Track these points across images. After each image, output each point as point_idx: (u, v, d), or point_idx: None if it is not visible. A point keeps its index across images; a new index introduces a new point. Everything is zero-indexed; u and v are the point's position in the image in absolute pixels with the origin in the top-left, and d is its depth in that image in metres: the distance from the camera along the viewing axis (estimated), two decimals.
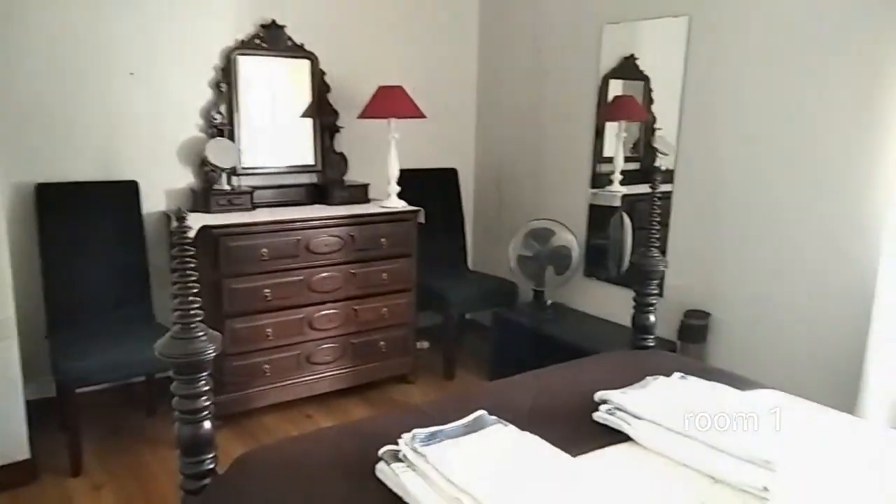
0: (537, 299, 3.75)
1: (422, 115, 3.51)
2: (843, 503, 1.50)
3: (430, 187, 4.12)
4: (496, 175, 4.38)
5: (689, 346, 3.15)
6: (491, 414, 1.75)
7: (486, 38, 4.34)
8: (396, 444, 1.58)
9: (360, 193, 3.65)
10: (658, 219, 2.48)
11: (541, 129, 4.02)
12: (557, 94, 3.89)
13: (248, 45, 3.50)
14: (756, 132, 2.93)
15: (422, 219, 3.57)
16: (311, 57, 3.66)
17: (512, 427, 1.67)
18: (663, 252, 3.27)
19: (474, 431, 1.63)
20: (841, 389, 2.53)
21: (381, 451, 1.58)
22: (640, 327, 2.55)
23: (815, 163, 2.74)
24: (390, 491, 1.49)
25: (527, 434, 1.63)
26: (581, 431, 1.81)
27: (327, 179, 3.70)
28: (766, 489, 1.50)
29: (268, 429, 3.20)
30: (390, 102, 3.45)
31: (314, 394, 3.40)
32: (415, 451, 1.52)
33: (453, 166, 4.32)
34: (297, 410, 3.36)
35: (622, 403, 1.82)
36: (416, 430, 1.59)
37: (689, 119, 3.21)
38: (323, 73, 3.71)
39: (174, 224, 1.53)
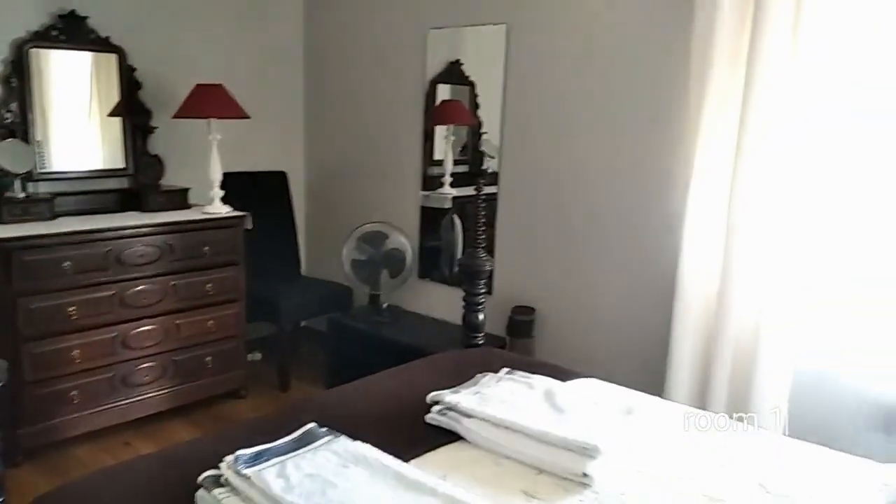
0: (373, 303, 3.73)
1: (245, 116, 3.36)
2: (659, 480, 1.62)
3: (258, 191, 3.96)
4: (328, 178, 4.30)
5: (518, 341, 3.28)
6: (324, 424, 1.70)
7: (311, 42, 4.25)
8: (218, 467, 1.48)
9: (180, 199, 3.42)
10: (483, 220, 2.55)
11: (371, 132, 4.01)
12: (386, 98, 3.89)
13: (43, 38, 3.14)
14: (570, 134, 3.12)
15: (249, 224, 3.41)
16: (118, 51, 3.36)
17: (343, 438, 1.63)
18: (491, 252, 3.39)
19: (304, 446, 1.57)
20: (650, 375, 2.75)
21: (200, 478, 1.47)
22: (471, 326, 2.61)
23: (623, 163, 2.97)
24: None
25: (358, 444, 1.59)
26: (414, 434, 1.81)
27: (141, 184, 3.42)
28: (585, 475, 1.58)
29: (81, 461, 2.89)
30: (209, 101, 3.26)
31: (133, 418, 3.13)
32: (238, 473, 1.43)
33: (282, 169, 4.18)
34: (115, 438, 3.08)
35: (453, 403, 1.84)
36: (239, 452, 1.50)
37: (511, 123, 3.34)
38: (132, 68, 3.43)
39: None
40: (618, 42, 2.93)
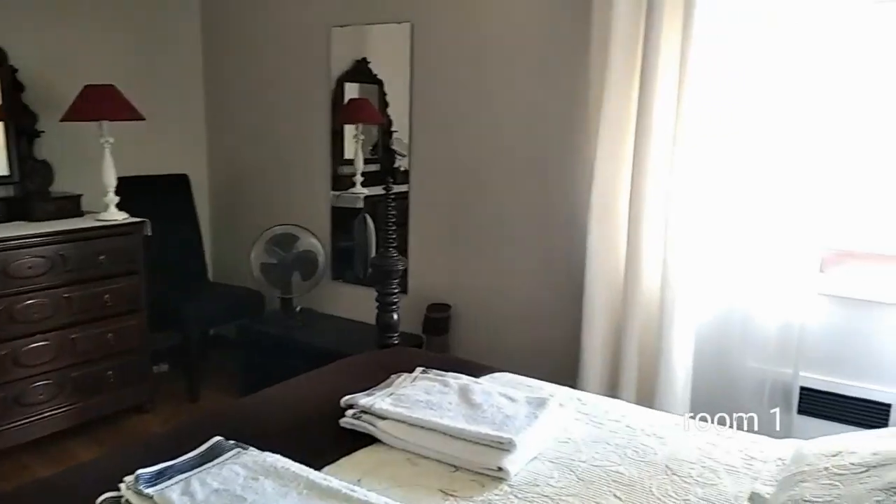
0: (285, 307, 3.64)
1: (140, 117, 3.19)
2: (572, 469, 1.65)
3: (158, 196, 3.79)
4: (233, 180, 4.16)
5: (434, 338, 3.28)
6: (234, 436, 1.65)
7: (210, 41, 4.10)
8: (118, 488, 1.40)
9: (71, 206, 3.22)
10: (394, 219, 2.53)
11: (278, 132, 3.91)
12: (292, 97, 3.81)
13: None
14: (477, 131, 3.15)
15: (148, 231, 3.25)
16: None
17: (252, 450, 1.57)
18: (404, 250, 3.37)
19: (210, 461, 1.51)
20: (564, 365, 2.80)
21: (99, 501, 1.39)
22: (385, 326, 2.59)
23: (528, 159, 3.02)
24: None
25: (267, 455, 1.54)
26: (328, 440, 1.77)
27: (27, 192, 3.20)
28: (500, 469, 1.59)
29: None
30: (99, 103, 3.08)
31: (31, 439, 2.94)
32: (139, 493, 1.36)
33: (183, 172, 4.01)
34: (11, 461, 2.88)
35: (367, 405, 1.82)
36: (140, 471, 1.43)
37: (419, 121, 3.34)
38: (14, 69, 3.20)
39: None
40: (519, 40, 2.97)
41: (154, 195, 3.72)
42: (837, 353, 2.43)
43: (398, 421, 1.76)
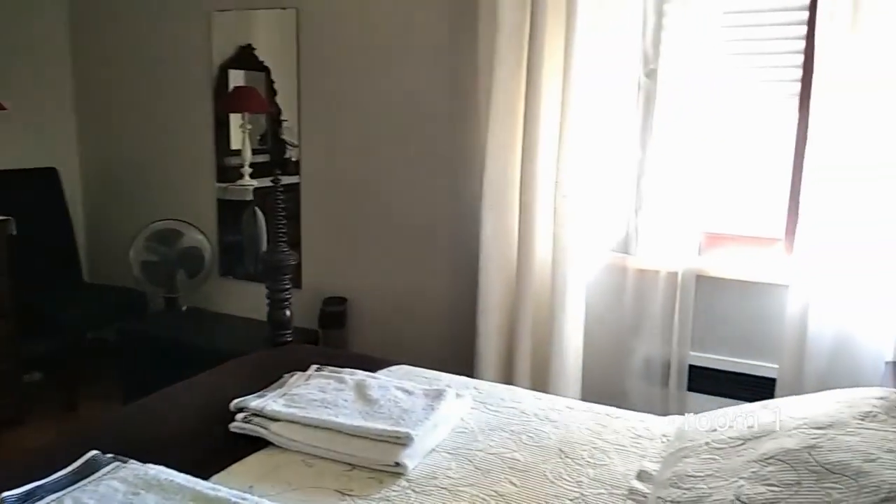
0: (170, 307, 3.47)
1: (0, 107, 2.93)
2: (469, 458, 1.65)
3: (23, 192, 3.49)
4: (109, 174, 3.90)
5: (331, 332, 3.22)
6: (113, 448, 1.54)
7: (79, 27, 3.81)
8: None
9: None
10: (283, 212, 2.45)
11: (156, 122, 3.69)
12: (170, 85, 3.60)
13: None
14: (369, 121, 3.10)
15: (13, 229, 2.99)
16: None
17: (132, 462, 1.47)
18: (297, 243, 3.28)
19: (85, 478, 1.40)
20: (461, 355, 2.82)
21: None
22: (277, 323, 2.51)
23: (421, 150, 3.01)
24: None
25: (150, 467, 1.45)
26: (219, 447, 1.70)
27: None
28: (398, 464, 1.57)
29: None
30: None
31: None
32: None
33: (51, 165, 3.71)
34: None
35: (258, 408, 1.75)
36: (5, 494, 1.30)
37: (308, 110, 3.25)
38: None
39: None
40: (407, 28, 2.95)
41: (19, 191, 3.43)
42: (723, 332, 2.56)
43: (292, 422, 1.70)
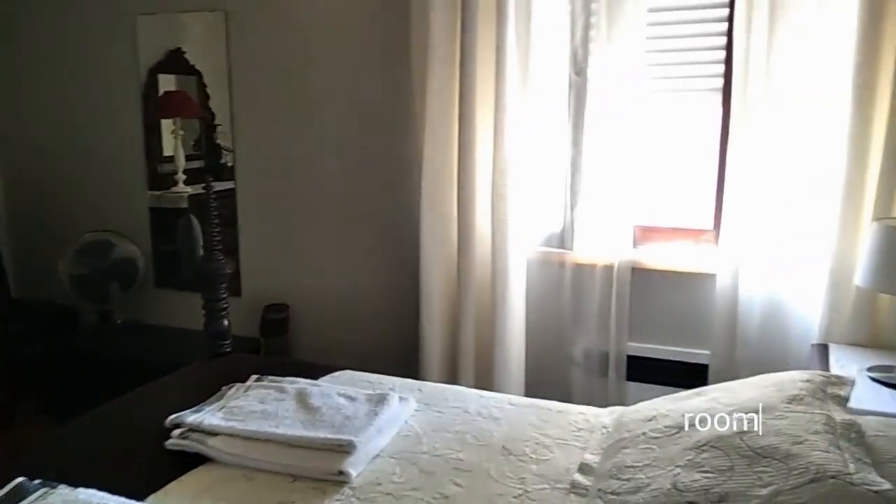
0: (104, 321, 3.35)
1: None
2: (412, 462, 1.65)
3: None
4: (33, 185, 3.74)
5: (273, 340, 3.17)
6: (43, 472, 1.47)
7: None
8: None
9: None
10: (217, 219, 2.39)
11: (82, 128, 3.55)
12: (96, 90, 3.47)
13: None
14: (304, 126, 3.06)
15: None
16: None
17: (62, 487, 1.41)
18: (235, 250, 3.22)
19: None
20: (406, 357, 2.81)
21: None
22: (215, 333, 2.45)
23: (358, 153, 2.99)
24: None
25: (80, 491, 1.39)
26: (154, 466, 1.65)
27: None
28: (342, 473, 1.55)
29: None
30: None
31: None
32: None
33: None
34: None
35: (195, 423, 1.71)
36: None
37: (242, 114, 3.19)
38: None
39: None
40: (339, 29, 2.92)
41: None
42: (658, 322, 2.62)
43: (231, 436, 1.66)
